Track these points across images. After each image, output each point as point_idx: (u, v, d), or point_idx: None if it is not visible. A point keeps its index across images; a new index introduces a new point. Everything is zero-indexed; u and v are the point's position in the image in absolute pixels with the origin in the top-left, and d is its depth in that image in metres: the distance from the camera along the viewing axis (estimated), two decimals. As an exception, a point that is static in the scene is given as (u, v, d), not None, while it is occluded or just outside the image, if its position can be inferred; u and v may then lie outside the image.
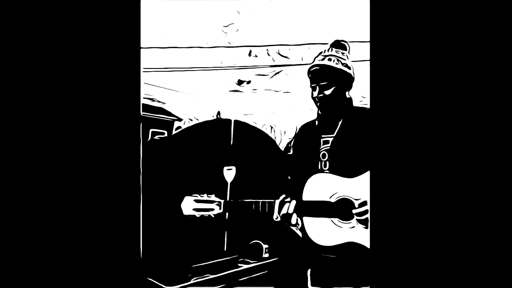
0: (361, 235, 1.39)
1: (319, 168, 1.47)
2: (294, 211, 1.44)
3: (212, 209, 1.50)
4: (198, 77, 1.72)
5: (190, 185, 1.65)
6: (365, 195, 1.41)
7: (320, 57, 1.52)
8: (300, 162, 1.53)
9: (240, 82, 1.74)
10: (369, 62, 1.53)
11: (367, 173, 1.41)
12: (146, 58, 1.59)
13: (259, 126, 1.77)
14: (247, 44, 1.71)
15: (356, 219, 1.40)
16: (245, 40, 1.71)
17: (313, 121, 1.55)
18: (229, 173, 1.71)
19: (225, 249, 1.73)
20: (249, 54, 1.73)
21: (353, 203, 1.41)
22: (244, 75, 1.74)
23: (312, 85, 1.50)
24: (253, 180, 1.71)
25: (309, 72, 1.52)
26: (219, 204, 1.50)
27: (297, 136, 1.61)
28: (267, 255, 1.72)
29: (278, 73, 1.77)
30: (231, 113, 1.73)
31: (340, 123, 1.48)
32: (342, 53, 1.51)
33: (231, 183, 1.71)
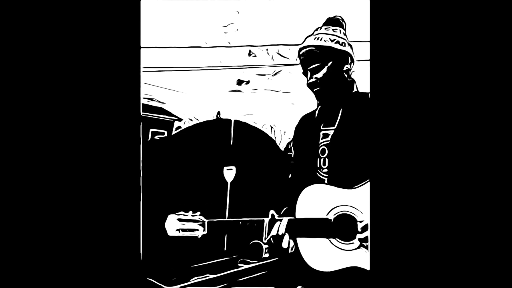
0: (362, 258, 1.22)
1: (318, 166, 1.28)
2: (286, 231, 1.25)
3: (197, 229, 1.35)
4: (198, 77, 1.71)
5: (190, 185, 1.65)
6: (367, 209, 1.20)
7: (309, 38, 1.36)
8: (299, 160, 1.36)
9: (240, 82, 1.74)
10: (369, 62, 1.53)
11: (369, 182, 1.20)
12: (146, 58, 1.59)
13: (259, 126, 1.77)
14: (247, 44, 1.71)
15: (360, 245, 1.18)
16: (244, 40, 1.70)
17: (313, 112, 1.40)
18: (229, 173, 1.71)
19: (225, 249, 1.73)
20: (249, 54, 1.73)
21: (355, 219, 1.21)
22: (244, 75, 1.74)
23: (304, 71, 1.33)
24: (253, 180, 1.71)
25: (298, 58, 1.36)
26: (202, 225, 1.35)
27: (296, 129, 1.45)
28: (267, 255, 1.72)
29: (277, 73, 1.76)
30: (231, 113, 1.73)
31: (340, 112, 1.29)
32: (334, 30, 1.34)
33: (231, 183, 1.71)
